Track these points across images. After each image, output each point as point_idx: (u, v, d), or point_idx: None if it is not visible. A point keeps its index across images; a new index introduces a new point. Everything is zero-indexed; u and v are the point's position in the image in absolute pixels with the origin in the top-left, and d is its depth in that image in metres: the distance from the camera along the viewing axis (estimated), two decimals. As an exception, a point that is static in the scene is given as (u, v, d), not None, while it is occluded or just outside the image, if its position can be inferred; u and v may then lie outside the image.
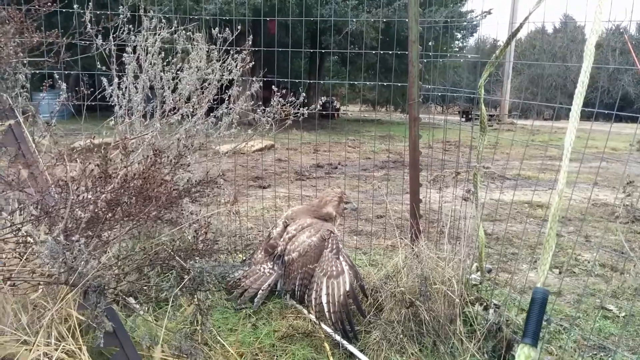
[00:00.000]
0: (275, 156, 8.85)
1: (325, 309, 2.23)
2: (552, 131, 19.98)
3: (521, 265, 3.49)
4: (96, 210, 1.90)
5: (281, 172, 7.55)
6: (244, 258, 2.96)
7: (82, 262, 1.61)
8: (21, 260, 1.71)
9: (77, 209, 1.88)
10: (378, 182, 6.95)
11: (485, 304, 2.44)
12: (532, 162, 9.84)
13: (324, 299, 2.26)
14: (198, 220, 2.04)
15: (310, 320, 2.31)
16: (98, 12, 2.75)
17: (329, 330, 2.22)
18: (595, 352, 2.36)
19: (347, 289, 2.24)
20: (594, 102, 2.78)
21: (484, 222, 4.55)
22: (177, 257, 1.68)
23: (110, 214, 1.92)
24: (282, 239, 2.66)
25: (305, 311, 2.38)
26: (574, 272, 3.33)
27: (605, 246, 3.92)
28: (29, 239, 1.73)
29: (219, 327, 2.23)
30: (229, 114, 2.93)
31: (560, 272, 3.35)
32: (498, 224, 4.54)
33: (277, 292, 2.59)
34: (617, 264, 3.47)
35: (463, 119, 27.35)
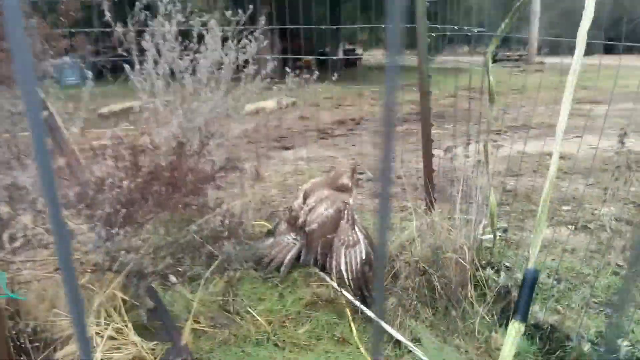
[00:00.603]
0: (297, 114, 8.95)
1: (345, 276, 2.41)
2: (583, 70, 19.51)
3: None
4: (130, 200, 2.08)
5: (304, 130, 7.67)
6: (269, 228, 3.14)
7: (123, 252, 1.81)
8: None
9: (113, 201, 2.06)
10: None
11: (496, 267, 2.59)
12: (560, 107, 9.68)
13: (342, 267, 2.44)
14: (222, 205, 2.20)
15: (332, 287, 2.50)
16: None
17: (349, 296, 2.41)
18: (602, 309, 2.50)
19: (364, 257, 2.41)
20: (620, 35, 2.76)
21: (505, 177, 4.64)
22: (206, 244, 1.85)
23: (143, 203, 2.10)
24: (302, 211, 2.82)
25: (327, 279, 2.57)
26: (589, 228, 3.43)
27: (625, 198, 3.98)
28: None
29: (249, 296, 2.44)
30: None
31: (575, 228, 3.46)
32: (519, 179, 4.63)
33: (301, 261, 2.78)
34: (633, 217, 3.56)
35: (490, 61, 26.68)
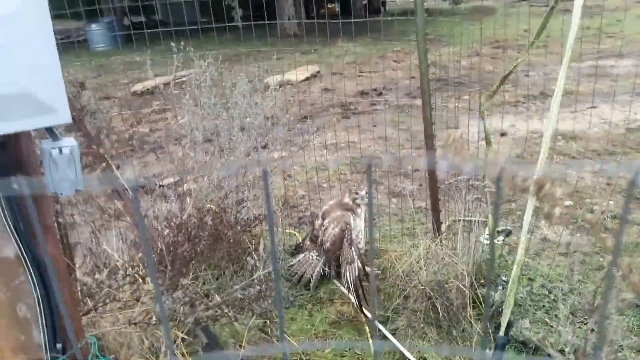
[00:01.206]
0: (321, 85, 9.21)
1: (351, 288, 2.92)
2: (614, 8, 18.83)
3: (539, 222, 3.95)
4: (183, 251, 2.54)
5: (327, 105, 7.97)
6: (298, 242, 3.59)
7: (182, 309, 2.27)
8: (137, 301, 2.40)
9: (170, 255, 2.52)
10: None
11: (495, 281, 2.99)
12: (583, 65, 9.65)
13: (346, 280, 2.95)
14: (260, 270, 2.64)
15: (354, 305, 2.96)
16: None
17: (368, 314, 2.87)
18: (587, 316, 2.89)
19: (356, 274, 2.89)
20: None
21: (517, 163, 4.94)
22: (249, 302, 2.30)
23: (193, 253, 2.55)
24: (321, 230, 3.24)
25: (351, 297, 3.02)
26: (585, 227, 3.77)
27: (623, 191, 4.27)
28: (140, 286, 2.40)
29: (285, 318, 2.92)
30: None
31: (574, 228, 3.80)
32: (529, 167, 4.92)
33: (326, 277, 3.23)
34: (629, 215, 3.87)
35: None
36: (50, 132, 1.70)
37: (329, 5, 20.96)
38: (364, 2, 22.30)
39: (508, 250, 3.53)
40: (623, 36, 12.96)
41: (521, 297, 2.97)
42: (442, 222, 3.27)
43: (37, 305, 1.85)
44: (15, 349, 1.77)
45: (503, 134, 5.91)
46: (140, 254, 2.49)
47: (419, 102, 7.70)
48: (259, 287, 2.25)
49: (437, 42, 14.08)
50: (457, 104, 7.38)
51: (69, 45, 15.78)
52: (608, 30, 14.35)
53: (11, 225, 1.74)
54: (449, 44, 13.01)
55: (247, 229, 2.76)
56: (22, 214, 1.77)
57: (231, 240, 2.59)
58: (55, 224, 2.39)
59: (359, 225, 3.12)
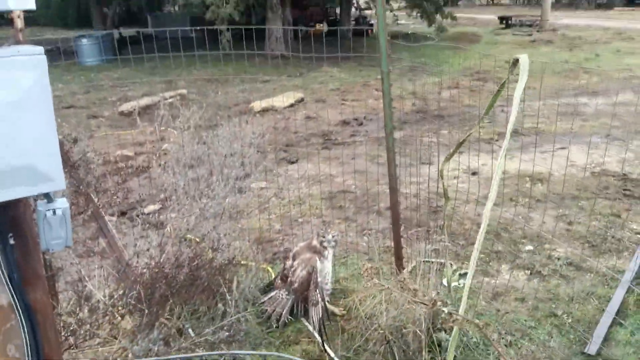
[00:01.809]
0: (304, 112, 9.47)
1: (316, 328, 3.15)
2: (594, 40, 19.38)
3: (500, 265, 4.20)
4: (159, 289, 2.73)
5: (309, 134, 8.23)
6: (270, 280, 3.79)
7: (157, 349, 2.47)
8: (115, 339, 2.59)
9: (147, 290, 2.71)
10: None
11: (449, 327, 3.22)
12: (557, 102, 10.01)
13: (312, 320, 3.18)
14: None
15: (319, 345, 3.17)
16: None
17: (332, 354, 3.08)
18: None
19: (320, 315, 3.12)
20: None
21: (481, 206, 5.19)
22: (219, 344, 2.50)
23: (169, 292, 2.75)
24: (290, 271, 3.45)
25: (316, 335, 3.23)
26: (541, 274, 4.03)
27: (582, 237, 4.56)
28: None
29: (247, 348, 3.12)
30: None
31: (531, 273, 4.06)
32: (494, 209, 5.18)
33: (294, 315, 3.44)
34: (581, 262, 4.14)
35: (502, 25, 26.56)
36: (46, 195, 1.91)
37: (317, 25, 21.38)
38: (352, 22, 22.76)
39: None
40: (599, 72, 13.45)
41: (474, 341, 3.20)
42: (405, 263, 3.50)
43: (25, 346, 2.04)
44: (3, 389, 1.95)
45: (474, 173, 6.19)
46: (121, 291, 2.68)
47: (397, 134, 7.99)
48: (227, 333, 2.45)
49: (421, 70, 14.49)
50: (432, 139, 7.70)
51: (58, 57, 15.91)
52: (586, 64, 14.88)
53: (5, 275, 1.94)
54: (432, 73, 13.41)
55: (220, 272, 2.96)
56: (15, 265, 1.97)
57: (205, 283, 2.79)
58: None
59: (326, 267, 3.34)
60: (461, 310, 2.58)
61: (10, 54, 1.76)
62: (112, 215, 5.16)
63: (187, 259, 2.76)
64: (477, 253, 2.56)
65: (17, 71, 1.77)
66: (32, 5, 1.76)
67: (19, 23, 2.98)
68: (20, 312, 1.97)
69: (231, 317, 2.76)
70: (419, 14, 19.55)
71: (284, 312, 3.36)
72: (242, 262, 3.79)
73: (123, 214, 5.22)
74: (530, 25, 23.79)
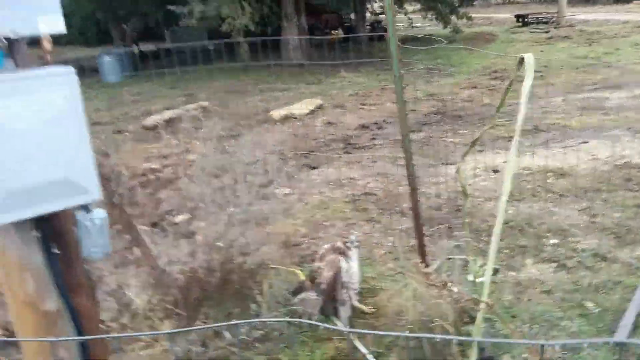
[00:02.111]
0: (323, 118, 9.59)
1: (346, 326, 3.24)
2: (613, 34, 19.15)
3: (525, 260, 4.23)
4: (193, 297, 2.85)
5: (329, 139, 8.33)
6: (300, 281, 3.88)
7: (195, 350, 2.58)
8: (156, 342, 2.71)
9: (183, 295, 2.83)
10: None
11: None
12: (577, 97, 9.96)
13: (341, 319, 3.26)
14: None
15: (352, 343, 3.25)
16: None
17: (363, 350, 3.16)
18: (565, 352, 3.17)
19: (349, 314, 3.19)
20: None
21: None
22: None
23: (202, 297, 2.87)
24: (318, 272, 3.54)
25: (347, 335, 3.31)
26: (566, 266, 4.05)
27: (606, 229, 4.56)
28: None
29: (288, 353, 3.22)
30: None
31: (557, 266, 4.08)
32: (517, 205, 5.20)
33: (325, 315, 3.52)
34: (607, 253, 4.15)
35: (519, 24, 26.43)
36: (84, 206, 2.04)
37: (333, 32, 21.53)
38: (367, 27, 22.86)
39: (493, 289, 3.81)
40: (620, 66, 13.28)
41: (503, 334, 3.25)
42: (429, 260, 3.57)
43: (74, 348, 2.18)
44: (54, 387, 2.08)
45: (495, 171, 6.21)
46: (158, 297, 2.80)
47: (416, 136, 8.04)
48: (261, 332, 2.55)
49: (438, 72, 14.50)
50: (452, 139, 7.73)
51: (81, 75, 16.26)
52: (606, 58, 14.70)
53: (52, 283, 2.07)
54: (450, 74, 13.42)
55: (251, 275, 3.07)
56: (60, 272, 2.10)
57: (236, 287, 2.90)
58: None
59: (352, 267, 3.43)
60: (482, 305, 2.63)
61: (45, 75, 1.91)
62: (144, 225, 5.32)
63: (218, 263, 2.87)
64: (496, 245, 2.61)
65: (52, 91, 1.91)
66: (62, 29, 1.89)
67: (48, 45, 3.15)
68: (67, 315, 2.10)
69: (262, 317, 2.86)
70: (433, 16, 19.57)
71: (315, 312, 3.45)
72: (272, 266, 3.90)
73: (154, 224, 5.37)
74: (546, 22, 23.61)
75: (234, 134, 9.08)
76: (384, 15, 25.66)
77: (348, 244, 3.45)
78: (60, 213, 2.02)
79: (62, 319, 2.08)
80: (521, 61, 2.80)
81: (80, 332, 2.12)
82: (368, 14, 25.50)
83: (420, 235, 3.52)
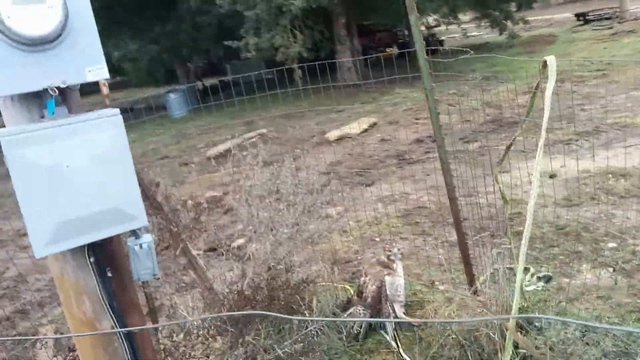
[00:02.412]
0: (378, 135, 9.67)
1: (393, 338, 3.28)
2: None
3: (581, 265, 4.12)
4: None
5: (383, 155, 8.40)
6: (349, 296, 3.98)
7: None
8: (207, 358, 2.88)
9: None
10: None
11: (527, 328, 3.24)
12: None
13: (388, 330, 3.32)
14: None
15: (399, 354, 3.31)
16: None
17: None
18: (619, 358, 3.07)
19: (393, 326, 3.25)
20: None
21: (560, 208, 5.10)
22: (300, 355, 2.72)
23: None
24: (364, 286, 3.62)
25: (393, 344, 3.37)
26: (625, 270, 3.91)
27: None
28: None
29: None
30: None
31: (614, 270, 3.95)
32: (574, 210, 5.07)
33: (373, 328, 3.60)
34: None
35: (580, 22, 25.54)
36: (133, 232, 2.26)
37: (387, 50, 21.63)
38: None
39: (547, 296, 3.74)
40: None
41: (553, 341, 3.19)
42: (474, 273, 3.57)
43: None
44: (113, 400, 2.28)
45: (552, 176, 6.06)
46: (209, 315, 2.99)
47: (471, 146, 7.97)
48: (302, 343, 2.66)
49: (494, 80, 14.25)
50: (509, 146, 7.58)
51: (150, 112, 17.34)
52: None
53: (107, 304, 2.29)
54: (507, 80, 13.17)
55: (296, 291, 3.20)
56: (113, 294, 2.32)
57: (282, 302, 3.04)
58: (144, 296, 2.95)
59: (397, 280, 3.49)
60: (514, 310, 2.63)
61: (94, 118, 2.15)
62: (205, 250, 5.60)
63: (264, 280, 3.03)
64: (525, 248, 2.62)
65: (100, 131, 2.15)
66: (106, 75, 2.13)
67: (105, 90, 3.46)
68: (121, 334, 2.31)
69: (309, 328, 2.98)
70: (488, 24, 19.29)
71: (362, 326, 3.53)
72: (322, 283, 4.02)
73: (213, 249, 5.63)
74: (609, 18, 22.62)
75: (290, 157, 9.33)
76: (437, 28, 25.56)
77: (392, 257, 3.52)
78: (112, 239, 2.24)
79: (117, 338, 2.29)
80: (545, 64, 2.82)
81: (134, 350, 2.32)
82: (423, 28, 25.43)
83: (463, 246, 3.53)
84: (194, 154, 11.53)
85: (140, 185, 3.52)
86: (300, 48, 12.97)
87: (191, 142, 12.97)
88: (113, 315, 2.28)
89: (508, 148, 3.31)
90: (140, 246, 2.24)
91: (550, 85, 2.63)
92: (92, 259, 2.20)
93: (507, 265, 3.52)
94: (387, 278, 3.44)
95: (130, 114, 18.23)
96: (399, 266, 3.56)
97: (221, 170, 9.42)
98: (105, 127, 2.15)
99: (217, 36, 16.74)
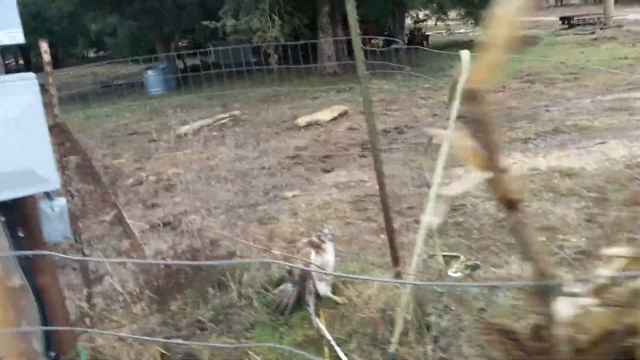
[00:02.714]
0: (347, 124, 9.79)
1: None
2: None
3: (510, 257, 4.28)
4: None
5: (349, 145, 8.52)
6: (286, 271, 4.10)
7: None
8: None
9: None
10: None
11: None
12: (607, 98, 9.73)
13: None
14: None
15: (318, 329, 3.44)
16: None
17: (329, 336, 3.34)
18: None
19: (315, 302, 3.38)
20: None
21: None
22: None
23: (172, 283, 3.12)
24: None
25: (316, 322, 3.50)
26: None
27: (599, 227, 4.53)
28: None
29: (258, 339, 3.43)
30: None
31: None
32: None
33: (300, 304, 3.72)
34: (594, 250, 4.14)
35: (565, 26, 25.76)
36: (47, 194, 2.34)
37: (373, 41, 21.67)
38: (406, 37, 22.90)
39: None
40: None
41: (466, 324, 3.35)
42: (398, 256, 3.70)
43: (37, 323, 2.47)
44: (19, 355, 2.37)
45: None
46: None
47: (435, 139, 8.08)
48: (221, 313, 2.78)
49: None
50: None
51: (128, 89, 17.25)
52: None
53: (17, 262, 2.37)
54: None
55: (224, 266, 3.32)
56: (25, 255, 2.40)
57: (205, 274, 3.15)
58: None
59: (325, 259, 3.61)
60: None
61: (9, 80, 2.22)
62: (159, 225, 5.66)
63: (189, 252, 3.13)
64: (422, 237, 2.74)
65: (16, 94, 2.22)
66: (20, 40, 2.20)
67: (46, 57, 3.50)
68: (31, 292, 2.40)
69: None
70: (472, 22, 19.46)
71: (289, 303, 3.65)
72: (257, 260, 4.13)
73: (168, 224, 5.70)
74: (593, 24, 22.92)
75: (258, 140, 9.41)
76: (422, 23, 25.66)
77: (322, 237, 3.64)
78: (24, 201, 2.32)
79: (27, 295, 2.38)
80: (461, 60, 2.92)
81: (43, 307, 2.42)
82: (409, 21, 25.55)
83: (390, 231, 3.67)
84: (164, 131, 11.52)
85: (80, 153, 3.59)
86: (278, 33, 12.99)
87: (164, 120, 12.94)
88: (23, 274, 2.37)
89: (429, 144, 3.43)
90: (52, 209, 2.33)
91: (461, 81, 2.74)
92: (2, 218, 2.28)
93: (429, 252, 3.67)
94: (313, 257, 3.56)
95: (110, 89, 18.13)
96: (329, 247, 3.68)
97: (189, 149, 9.53)
98: (20, 91, 2.22)
99: (203, 16, 16.66)
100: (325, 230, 3.64)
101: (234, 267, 3.57)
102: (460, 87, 2.77)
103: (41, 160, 2.26)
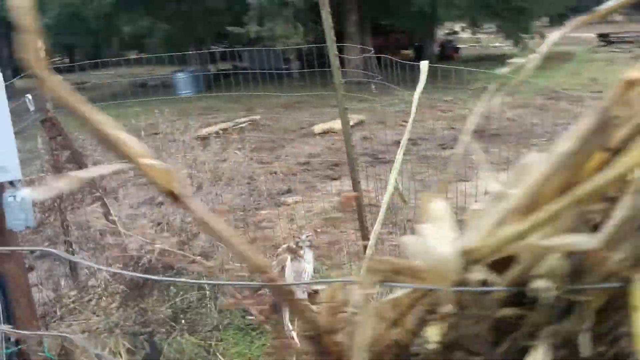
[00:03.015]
0: (361, 133, 9.77)
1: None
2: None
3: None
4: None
5: (361, 154, 8.50)
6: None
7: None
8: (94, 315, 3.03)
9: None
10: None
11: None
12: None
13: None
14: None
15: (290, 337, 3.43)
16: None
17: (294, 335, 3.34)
18: None
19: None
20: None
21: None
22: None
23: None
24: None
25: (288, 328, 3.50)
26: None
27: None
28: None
29: (229, 341, 3.45)
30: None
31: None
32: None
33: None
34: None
35: (603, 43, 25.22)
36: (11, 184, 2.42)
37: (403, 52, 21.58)
38: (437, 49, 22.74)
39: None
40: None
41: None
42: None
43: None
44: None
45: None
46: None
47: (445, 153, 8.03)
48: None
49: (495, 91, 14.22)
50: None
51: (156, 89, 17.55)
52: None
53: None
54: (507, 93, 13.16)
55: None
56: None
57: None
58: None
59: (302, 265, 3.61)
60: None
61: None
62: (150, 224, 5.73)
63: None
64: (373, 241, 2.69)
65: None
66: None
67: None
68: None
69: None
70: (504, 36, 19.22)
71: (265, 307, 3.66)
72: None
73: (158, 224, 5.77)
74: (631, 42, 22.36)
75: (273, 145, 9.49)
76: (456, 35, 25.45)
77: (300, 243, 3.64)
78: (-12, 189, 2.40)
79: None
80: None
81: (5, 293, 2.48)
82: (441, 33, 25.39)
83: (364, 239, 3.65)
84: (185, 132, 11.71)
85: (71, 148, 3.68)
86: (300, 40, 13.07)
87: (188, 121, 13.14)
88: (-15, 260, 2.44)
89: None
90: (14, 198, 2.40)
91: (418, 89, 2.70)
92: (-34, 207, 2.36)
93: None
94: (289, 263, 3.56)
95: (145, 89, 18.51)
96: (307, 252, 3.68)
97: (205, 150, 9.65)
98: (-17, 85, 2.30)
99: (230, 22, 16.91)
100: (303, 236, 3.64)
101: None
102: (415, 96, 2.73)
103: (2, 150, 2.33)
